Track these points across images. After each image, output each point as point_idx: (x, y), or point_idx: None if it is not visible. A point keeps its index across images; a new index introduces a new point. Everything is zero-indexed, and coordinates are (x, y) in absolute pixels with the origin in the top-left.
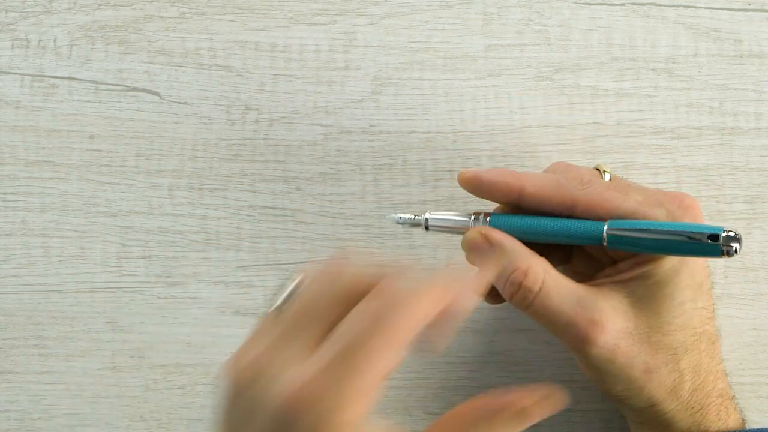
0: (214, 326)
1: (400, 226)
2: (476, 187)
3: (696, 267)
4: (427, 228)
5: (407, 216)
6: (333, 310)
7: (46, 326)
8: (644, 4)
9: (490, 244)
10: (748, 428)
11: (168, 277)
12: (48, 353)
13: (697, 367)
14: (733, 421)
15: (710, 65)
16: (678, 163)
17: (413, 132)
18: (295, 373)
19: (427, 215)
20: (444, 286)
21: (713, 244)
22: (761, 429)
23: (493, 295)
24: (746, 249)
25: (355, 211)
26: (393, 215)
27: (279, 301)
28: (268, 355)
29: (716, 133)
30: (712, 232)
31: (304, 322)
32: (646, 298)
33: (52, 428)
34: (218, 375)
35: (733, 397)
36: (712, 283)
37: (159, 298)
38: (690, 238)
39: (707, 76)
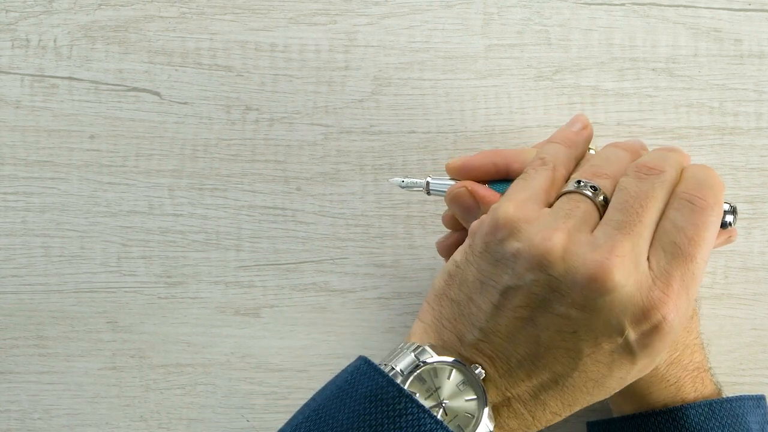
0: (214, 326)
1: (403, 189)
2: (466, 174)
3: None
4: (428, 192)
5: (409, 180)
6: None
7: (47, 326)
8: (644, 4)
9: (475, 200)
10: (724, 396)
11: (168, 277)
12: (48, 353)
13: (674, 341)
14: (709, 392)
15: (710, 65)
16: None
17: (413, 132)
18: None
19: (428, 179)
20: None
21: None
22: (737, 396)
23: None
24: (746, 249)
25: (355, 211)
26: (396, 179)
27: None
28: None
29: (716, 133)
30: None
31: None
32: None
33: (52, 428)
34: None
35: (710, 369)
36: (714, 283)
37: (159, 298)
38: None
39: (707, 76)
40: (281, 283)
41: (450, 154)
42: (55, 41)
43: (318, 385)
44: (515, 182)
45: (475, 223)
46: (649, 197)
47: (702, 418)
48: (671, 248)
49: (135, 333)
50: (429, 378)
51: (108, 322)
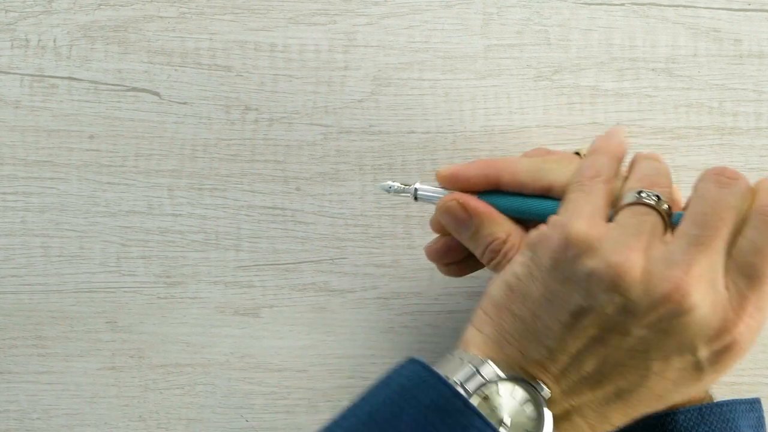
0: (213, 326)
1: (390, 194)
2: (456, 183)
3: None
4: (416, 198)
5: (397, 185)
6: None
7: (46, 326)
8: (644, 4)
9: (468, 213)
10: (715, 401)
11: (168, 277)
12: (47, 353)
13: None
14: (695, 397)
15: (710, 65)
16: (677, 163)
17: (413, 132)
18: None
19: (416, 185)
20: None
21: None
22: (728, 400)
23: (461, 266)
24: None
25: (354, 211)
26: (383, 183)
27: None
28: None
29: (716, 133)
30: None
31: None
32: None
33: (51, 428)
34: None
35: None
36: None
37: (159, 298)
38: None
39: (707, 76)
40: (280, 283)
41: (449, 155)
42: (54, 41)
43: (318, 384)
44: (575, 196)
45: (534, 235)
46: (729, 208)
47: (691, 423)
48: (748, 270)
49: (134, 333)
50: (492, 393)
51: (107, 322)
